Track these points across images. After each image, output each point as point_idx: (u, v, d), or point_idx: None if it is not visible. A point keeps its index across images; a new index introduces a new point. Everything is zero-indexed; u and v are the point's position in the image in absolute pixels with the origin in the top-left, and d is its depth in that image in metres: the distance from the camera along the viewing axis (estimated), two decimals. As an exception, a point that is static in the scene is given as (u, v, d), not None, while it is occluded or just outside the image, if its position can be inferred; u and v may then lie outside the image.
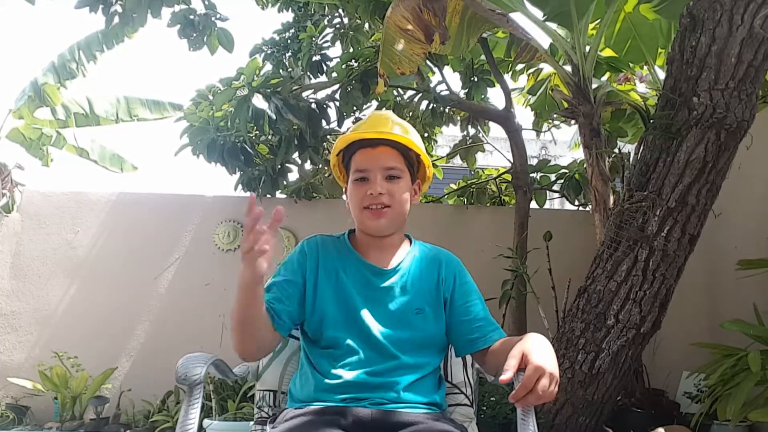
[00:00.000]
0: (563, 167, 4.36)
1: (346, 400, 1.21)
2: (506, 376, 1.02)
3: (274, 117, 3.51)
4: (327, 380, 1.23)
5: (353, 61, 3.97)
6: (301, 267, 1.32)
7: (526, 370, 1.03)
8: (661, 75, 3.45)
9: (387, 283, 1.31)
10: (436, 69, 4.34)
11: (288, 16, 4.66)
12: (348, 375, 1.22)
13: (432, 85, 4.14)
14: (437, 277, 1.35)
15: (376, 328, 1.26)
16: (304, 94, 3.99)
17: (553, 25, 3.30)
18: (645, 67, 4.06)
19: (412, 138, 1.32)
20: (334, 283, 1.30)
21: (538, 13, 3.22)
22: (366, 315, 1.27)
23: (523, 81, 4.70)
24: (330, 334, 1.26)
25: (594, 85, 3.30)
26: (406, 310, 1.29)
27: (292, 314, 1.28)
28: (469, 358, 1.50)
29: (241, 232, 4.11)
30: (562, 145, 8.25)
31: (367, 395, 1.21)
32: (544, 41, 3.59)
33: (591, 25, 3.41)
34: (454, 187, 4.73)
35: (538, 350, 1.06)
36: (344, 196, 1.39)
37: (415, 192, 1.38)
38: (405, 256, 1.36)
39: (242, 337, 1.18)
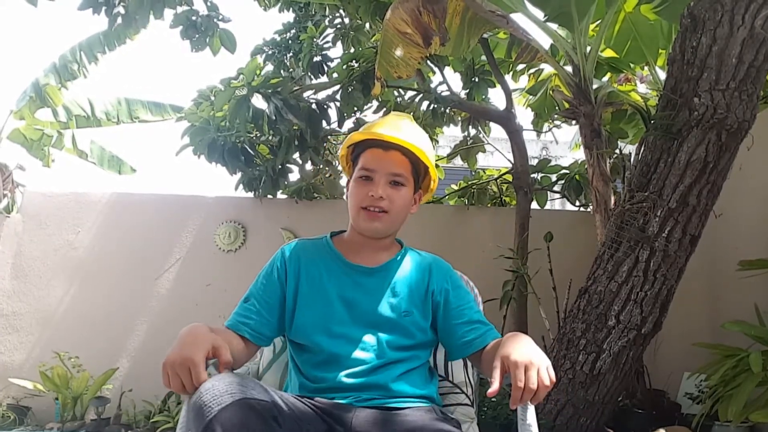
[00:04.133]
0: (564, 168, 4.35)
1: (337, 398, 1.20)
2: (493, 388, 1.03)
3: (273, 117, 3.51)
4: (312, 383, 1.23)
5: (354, 61, 3.97)
6: (280, 275, 1.30)
7: (510, 371, 1.04)
8: (662, 75, 3.45)
9: (375, 284, 1.30)
10: (436, 69, 4.34)
11: (289, 16, 4.66)
12: (332, 377, 1.21)
13: (433, 85, 4.14)
14: (427, 282, 1.33)
15: (361, 332, 1.25)
16: (305, 95, 3.99)
17: (553, 26, 3.30)
18: (646, 68, 4.06)
19: (425, 149, 1.30)
20: (317, 288, 1.28)
21: (539, 14, 3.22)
22: (350, 321, 1.26)
23: (523, 82, 4.70)
24: (314, 339, 1.25)
25: (595, 86, 3.30)
26: (395, 312, 1.28)
27: (273, 325, 1.27)
28: (469, 358, 1.49)
29: (242, 232, 4.11)
30: (563, 145, 8.25)
31: (354, 394, 1.20)
32: (544, 42, 3.59)
33: (592, 26, 3.40)
34: (455, 187, 4.73)
35: (516, 348, 1.07)
36: (345, 191, 1.38)
37: (415, 201, 1.36)
38: (394, 258, 1.35)
39: None
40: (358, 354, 1.23)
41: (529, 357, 1.04)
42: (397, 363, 1.25)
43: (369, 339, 1.25)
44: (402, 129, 1.30)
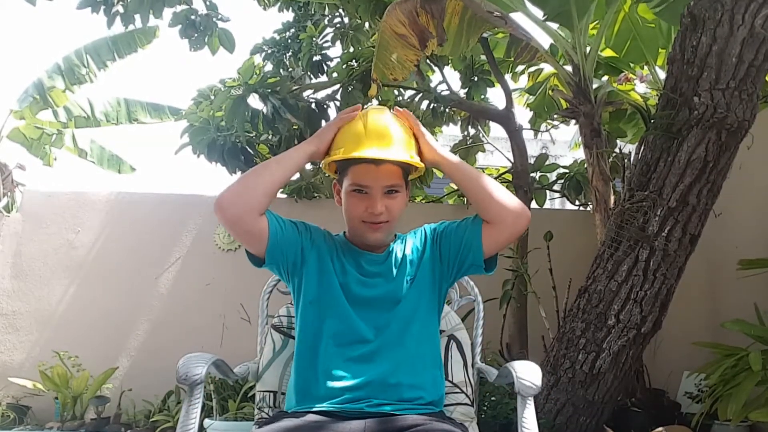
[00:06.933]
0: (564, 167, 4.36)
1: (344, 402, 1.21)
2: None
3: (270, 116, 3.51)
4: (320, 386, 1.24)
5: (354, 60, 3.96)
6: (300, 230, 1.35)
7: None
8: (662, 75, 3.46)
9: (384, 266, 1.34)
10: (436, 68, 4.34)
11: (288, 15, 4.67)
12: (341, 383, 1.22)
13: (432, 84, 4.14)
14: (423, 243, 1.38)
15: (373, 311, 1.28)
16: (305, 94, 3.99)
17: (553, 25, 3.31)
18: (645, 67, 4.05)
19: (413, 153, 1.30)
20: (333, 266, 1.32)
21: (539, 13, 3.22)
22: (362, 301, 1.29)
23: (523, 81, 4.70)
24: (323, 315, 1.28)
25: (594, 85, 3.30)
26: (405, 286, 1.31)
27: (280, 243, 1.28)
28: (469, 357, 1.50)
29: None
30: (563, 145, 8.24)
31: (364, 397, 1.21)
32: (544, 41, 3.60)
33: (591, 25, 3.41)
34: (454, 186, 4.73)
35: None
36: (334, 193, 1.39)
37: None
38: (393, 241, 1.40)
39: (245, 189, 1.23)
40: (368, 331, 1.27)
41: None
42: (408, 366, 1.27)
43: (380, 317, 1.28)
44: (389, 139, 1.27)
